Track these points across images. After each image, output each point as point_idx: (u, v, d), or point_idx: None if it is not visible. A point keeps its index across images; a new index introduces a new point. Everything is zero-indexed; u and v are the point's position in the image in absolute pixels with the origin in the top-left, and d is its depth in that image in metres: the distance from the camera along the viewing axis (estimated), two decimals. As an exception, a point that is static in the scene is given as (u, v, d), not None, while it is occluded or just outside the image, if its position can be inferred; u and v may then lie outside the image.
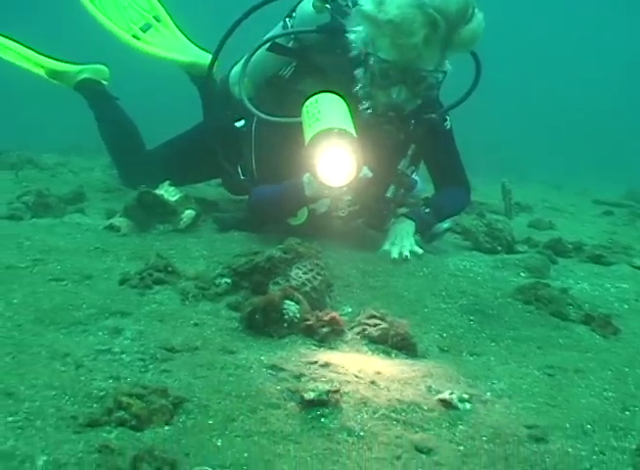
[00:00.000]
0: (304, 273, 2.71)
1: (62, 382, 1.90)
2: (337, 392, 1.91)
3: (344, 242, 3.66)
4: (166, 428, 1.75)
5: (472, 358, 2.51)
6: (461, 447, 1.83)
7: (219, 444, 1.69)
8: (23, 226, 3.74)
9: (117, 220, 3.69)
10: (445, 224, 3.94)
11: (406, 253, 3.48)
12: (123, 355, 2.11)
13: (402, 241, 3.59)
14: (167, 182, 3.89)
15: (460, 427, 1.93)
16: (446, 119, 3.84)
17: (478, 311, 2.94)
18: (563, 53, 25.88)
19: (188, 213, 3.75)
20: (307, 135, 3.07)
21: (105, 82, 5.14)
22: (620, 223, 6.50)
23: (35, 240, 3.32)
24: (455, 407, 1.98)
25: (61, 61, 5.28)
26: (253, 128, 3.87)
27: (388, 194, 3.70)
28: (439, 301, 3.02)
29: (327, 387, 1.90)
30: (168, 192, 3.81)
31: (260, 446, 1.69)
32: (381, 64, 3.32)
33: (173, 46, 5.02)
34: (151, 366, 2.07)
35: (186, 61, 4.86)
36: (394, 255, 3.46)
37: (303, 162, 3.12)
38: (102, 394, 1.85)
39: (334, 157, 3.03)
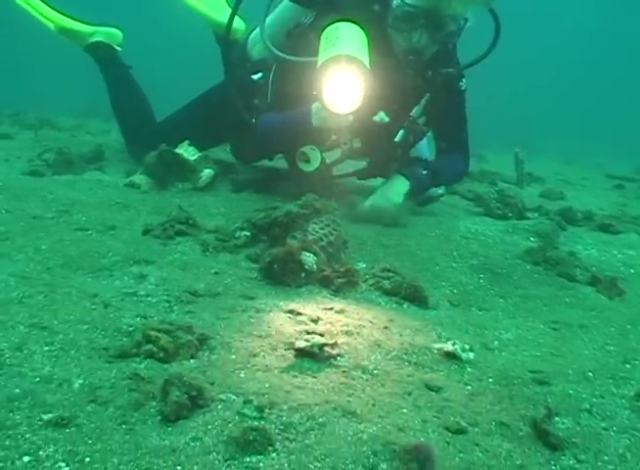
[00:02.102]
0: (321, 228, 2.81)
1: (92, 318, 2.02)
2: (332, 346, 1.97)
3: (354, 200, 3.74)
4: (192, 361, 1.86)
5: (480, 313, 2.61)
6: (468, 387, 1.94)
7: (242, 375, 1.80)
8: (45, 182, 3.85)
9: (137, 178, 3.80)
10: (440, 190, 3.98)
11: (378, 218, 3.48)
12: (149, 298, 2.23)
13: (386, 200, 3.58)
14: (187, 142, 3.98)
15: (468, 369, 2.04)
16: (463, 79, 3.87)
17: (487, 270, 3.04)
18: (580, 24, 25.60)
19: (207, 172, 3.85)
20: (320, 59, 3.09)
21: (118, 48, 5.13)
22: (631, 196, 6.56)
23: (58, 194, 3.43)
24: (458, 358, 2.08)
25: (74, 19, 5.23)
26: (271, 79, 3.93)
27: (397, 139, 3.70)
28: (450, 260, 3.12)
29: (322, 340, 1.97)
30: (188, 151, 3.90)
31: (280, 378, 1.81)
32: (404, 7, 3.36)
33: (209, 3, 5.01)
34: (175, 307, 2.18)
35: (217, 19, 4.85)
36: (365, 216, 3.49)
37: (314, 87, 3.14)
38: (131, 329, 1.97)
39: (341, 82, 3.03)
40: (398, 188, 3.61)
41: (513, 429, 1.75)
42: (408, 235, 3.38)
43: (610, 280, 3.03)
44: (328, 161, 3.60)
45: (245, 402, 1.65)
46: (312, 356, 1.92)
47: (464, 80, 3.88)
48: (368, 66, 3.03)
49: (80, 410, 1.55)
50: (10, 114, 7.17)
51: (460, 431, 1.70)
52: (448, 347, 2.07)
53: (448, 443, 1.64)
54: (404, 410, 1.75)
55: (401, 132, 3.67)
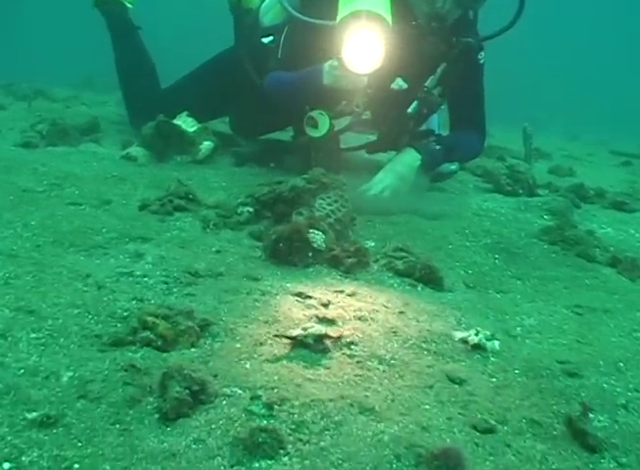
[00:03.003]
0: (329, 204, 2.62)
1: (84, 301, 1.83)
2: (335, 338, 1.78)
3: (363, 176, 3.53)
4: (193, 350, 1.68)
5: (498, 295, 2.44)
6: (493, 379, 1.76)
7: (248, 366, 1.63)
8: (38, 154, 3.64)
9: (134, 150, 3.60)
10: (453, 166, 3.77)
11: (386, 193, 3.22)
12: (146, 278, 2.04)
13: (394, 177, 3.32)
14: (185, 113, 3.77)
15: (492, 359, 1.87)
16: (481, 52, 3.63)
17: (503, 250, 2.86)
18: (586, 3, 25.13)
19: (206, 145, 3.65)
20: (339, 15, 2.88)
21: (129, 5, 4.85)
22: (640, 173, 6.38)
23: (51, 166, 3.23)
24: (483, 348, 1.90)
25: None
26: (281, 43, 3.70)
27: (410, 110, 3.46)
28: (463, 239, 2.93)
29: (323, 330, 1.77)
30: (186, 122, 3.70)
31: (290, 369, 1.63)
32: None
33: None
34: (175, 289, 2.00)
35: None
36: (372, 192, 3.21)
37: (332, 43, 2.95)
38: (126, 314, 1.79)
39: (361, 40, 2.83)
40: (409, 162, 3.37)
41: (546, 427, 1.57)
42: (418, 212, 3.18)
43: (631, 261, 2.85)
44: (336, 128, 3.38)
45: (252, 398, 1.47)
46: (307, 347, 1.74)
47: (482, 53, 3.63)
48: (390, 22, 2.82)
49: (69, 408, 1.37)
50: (3, 84, 6.91)
51: (489, 430, 1.53)
52: (472, 337, 1.89)
53: (477, 444, 1.47)
54: (426, 406, 1.58)
55: (414, 103, 3.44)
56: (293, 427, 1.41)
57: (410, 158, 3.39)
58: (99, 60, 5.06)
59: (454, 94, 3.64)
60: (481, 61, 3.65)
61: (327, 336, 1.76)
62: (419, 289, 2.32)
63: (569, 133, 9.62)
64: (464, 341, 1.89)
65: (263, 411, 1.44)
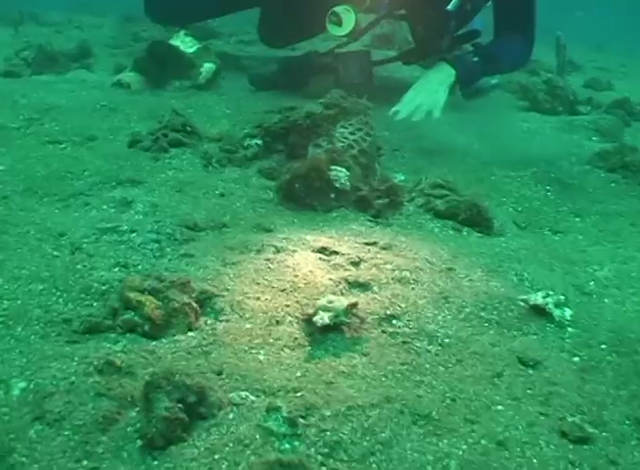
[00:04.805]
0: (351, 133, 2.14)
1: (53, 271, 1.41)
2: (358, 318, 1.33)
3: (386, 96, 3.01)
4: (190, 334, 1.27)
5: (556, 237, 2.00)
6: (575, 359, 1.34)
7: (262, 357, 1.21)
8: (21, 83, 3.14)
9: (127, 76, 3.08)
10: (494, 80, 3.21)
11: (418, 118, 2.61)
12: (133, 235, 1.61)
13: (426, 96, 2.73)
14: (183, 32, 3.24)
15: (569, 329, 1.44)
16: None
17: (554, 181, 2.38)
18: None
19: (207, 67, 3.12)
20: None
21: None
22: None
23: (33, 98, 2.74)
24: (550, 316, 1.47)
25: None
26: None
27: (450, 6, 2.78)
28: (507, 168, 2.45)
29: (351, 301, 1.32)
30: (185, 43, 3.17)
31: (317, 359, 1.22)
32: None
33: None
34: (168, 249, 1.57)
35: None
36: (403, 115, 2.61)
37: None
38: (104, 288, 1.36)
39: None
40: (442, 78, 2.81)
41: (658, 430, 1.17)
42: (452, 137, 2.71)
43: None
44: (362, 25, 2.85)
45: (269, 409, 1.06)
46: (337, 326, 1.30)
47: None
48: None
49: (19, 438, 0.97)
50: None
51: (583, 439, 1.12)
52: (541, 301, 1.46)
53: (572, 463, 1.07)
54: (499, 407, 1.16)
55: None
56: (325, 451, 1.01)
57: (444, 73, 2.81)
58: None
59: None
60: None
61: (358, 309, 1.34)
62: (464, 233, 1.88)
63: (592, 42, 8.89)
64: (532, 307, 1.46)
65: (284, 429, 1.03)
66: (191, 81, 3.08)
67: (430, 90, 2.74)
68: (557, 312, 1.45)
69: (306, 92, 2.90)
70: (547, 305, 1.46)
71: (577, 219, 2.14)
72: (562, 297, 1.49)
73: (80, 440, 0.98)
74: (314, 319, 1.26)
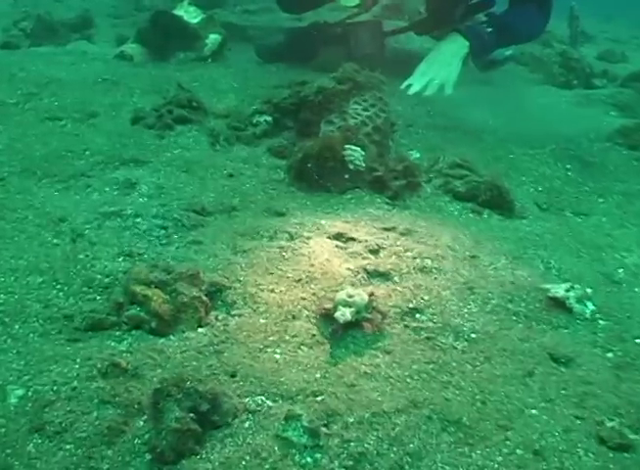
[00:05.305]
0: (365, 109, 2.02)
1: (53, 262, 1.31)
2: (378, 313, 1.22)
3: (398, 68, 2.87)
4: (200, 331, 1.18)
5: (579, 220, 1.89)
6: (609, 355, 1.25)
7: (278, 356, 1.12)
8: (19, 55, 3.01)
9: (130, 47, 2.95)
10: (508, 51, 3.06)
11: (430, 92, 2.45)
12: (138, 220, 1.50)
13: (438, 69, 2.58)
14: (186, 0, 3.09)
15: (601, 322, 1.35)
16: None
17: (574, 159, 2.27)
18: None
19: (213, 38, 2.98)
20: None
21: None
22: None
23: (31, 71, 2.62)
24: (569, 311, 1.36)
25: None
26: None
27: None
28: (525, 145, 2.33)
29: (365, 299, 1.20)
30: (188, 12, 3.03)
31: (337, 358, 1.13)
32: None
33: None
34: (175, 236, 1.47)
35: None
36: (415, 89, 2.45)
37: None
38: (108, 280, 1.27)
39: None
40: (455, 50, 2.66)
41: None
42: (467, 112, 2.58)
43: None
44: None
45: (288, 418, 0.97)
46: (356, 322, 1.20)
47: None
48: None
49: (16, 454, 0.88)
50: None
51: (623, 446, 1.03)
52: (559, 292, 1.36)
53: (615, 475, 0.98)
54: (532, 411, 1.07)
55: None
56: (349, 464, 0.92)
57: (456, 45, 2.66)
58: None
59: None
60: None
61: (378, 303, 1.24)
62: (485, 216, 1.78)
63: (601, 13, 8.66)
64: (559, 299, 1.36)
65: (305, 440, 0.95)
66: (196, 53, 2.95)
67: (442, 63, 2.59)
68: (577, 307, 1.35)
69: (316, 65, 2.76)
70: (568, 299, 1.35)
71: (600, 200, 2.03)
72: (588, 290, 1.39)
73: (83, 454, 0.89)
74: (335, 315, 1.16)
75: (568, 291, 1.37)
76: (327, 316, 1.20)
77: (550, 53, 3.50)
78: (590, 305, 1.38)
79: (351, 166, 1.79)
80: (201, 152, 1.96)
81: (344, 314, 1.15)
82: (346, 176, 1.79)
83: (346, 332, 1.18)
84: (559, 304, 1.36)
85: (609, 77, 3.58)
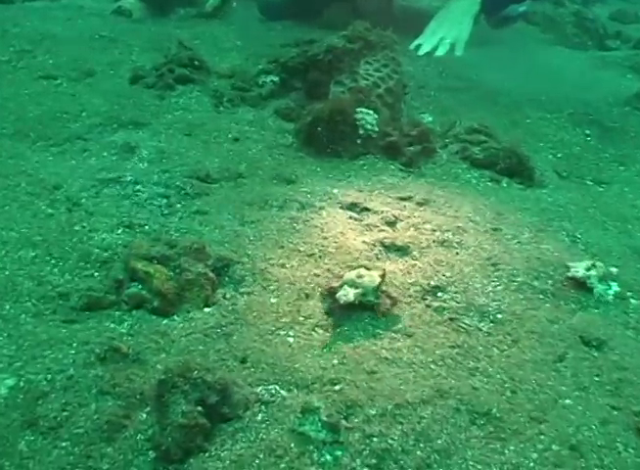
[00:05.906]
0: (376, 70, 1.90)
1: (47, 233, 1.20)
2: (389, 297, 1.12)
3: (407, 27, 2.71)
4: (207, 311, 1.08)
5: (601, 189, 1.78)
6: (643, 336, 1.17)
7: (291, 340, 1.02)
8: (13, 10, 2.84)
9: (128, 2, 2.81)
10: (521, 7, 2.91)
11: (441, 52, 2.30)
12: (138, 188, 1.40)
13: (449, 27, 2.44)
14: (187, -47, 2.92)
15: (632, 301, 1.25)
16: None
17: (593, 123, 2.15)
18: None
19: (214, -6, 2.84)
20: None
21: None
22: None
23: (25, 26, 2.47)
24: (590, 291, 1.25)
25: None
26: None
27: None
28: (542, 109, 2.21)
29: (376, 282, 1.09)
30: (189, -34, 2.87)
31: (355, 341, 1.03)
32: None
33: None
34: (178, 205, 1.36)
35: None
36: (425, 49, 2.32)
37: None
38: (107, 254, 1.16)
39: None
40: (466, 7, 2.50)
41: None
42: (479, 73, 2.45)
43: None
44: None
45: (305, 411, 0.88)
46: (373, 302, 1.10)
47: None
48: None
49: (6, 454, 0.79)
50: None
51: (669, 441, 0.95)
52: (579, 271, 1.25)
53: (661, 474, 0.89)
54: (567, 401, 0.98)
55: None
56: (373, 462, 0.83)
57: (467, 2, 2.52)
58: None
59: None
60: None
61: (389, 285, 1.14)
62: (504, 185, 1.67)
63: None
64: (579, 279, 1.25)
65: (324, 435, 0.85)
66: (197, 9, 2.82)
67: (453, 21, 2.45)
68: (599, 288, 1.24)
69: (322, 22, 2.62)
70: (589, 278, 1.24)
71: (622, 168, 1.92)
72: (613, 269, 1.27)
73: (81, 453, 0.80)
74: (337, 295, 1.06)
75: (588, 269, 1.26)
76: (332, 295, 1.10)
77: (563, 12, 3.34)
78: (614, 286, 1.27)
79: (363, 131, 1.67)
80: (203, 114, 1.84)
81: (347, 295, 1.05)
82: (358, 141, 1.68)
83: (363, 312, 1.08)
84: (579, 284, 1.26)
85: (622, 39, 3.43)
